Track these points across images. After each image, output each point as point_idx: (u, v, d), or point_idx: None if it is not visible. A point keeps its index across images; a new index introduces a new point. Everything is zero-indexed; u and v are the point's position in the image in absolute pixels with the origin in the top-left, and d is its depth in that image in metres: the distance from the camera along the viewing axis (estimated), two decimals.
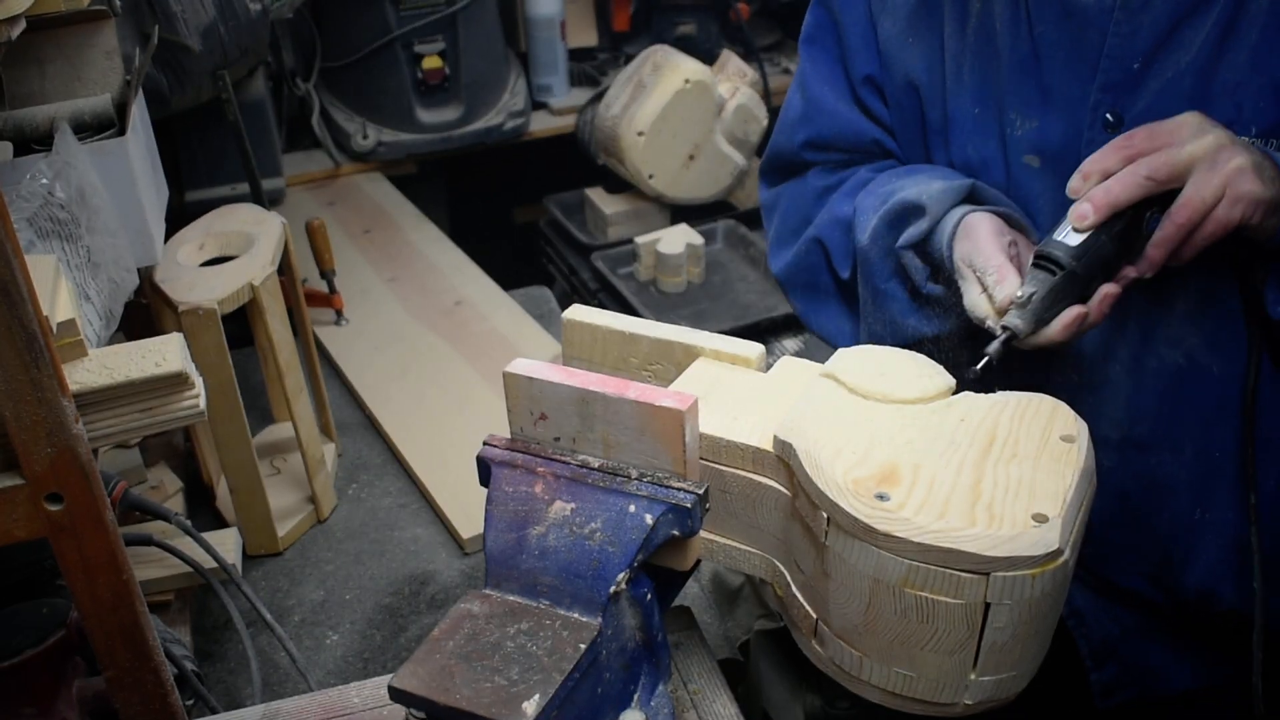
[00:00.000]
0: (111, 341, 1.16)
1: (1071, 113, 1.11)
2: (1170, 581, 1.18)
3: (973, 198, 1.15)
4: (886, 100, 1.28)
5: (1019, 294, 1.01)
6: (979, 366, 1.00)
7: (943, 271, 1.13)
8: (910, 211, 1.15)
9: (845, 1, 1.28)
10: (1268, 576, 1.07)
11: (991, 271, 1.05)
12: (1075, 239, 1.00)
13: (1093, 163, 1.00)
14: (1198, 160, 0.96)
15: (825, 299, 1.34)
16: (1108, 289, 1.01)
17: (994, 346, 1.01)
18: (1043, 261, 1.02)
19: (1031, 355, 1.06)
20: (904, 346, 1.16)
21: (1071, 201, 1.02)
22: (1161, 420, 1.14)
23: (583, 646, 0.80)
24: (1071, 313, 1.01)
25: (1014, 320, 1.01)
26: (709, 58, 2.62)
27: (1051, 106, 1.12)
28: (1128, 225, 1.00)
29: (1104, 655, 1.24)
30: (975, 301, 1.07)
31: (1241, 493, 1.11)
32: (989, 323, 1.05)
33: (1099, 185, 0.99)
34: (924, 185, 1.16)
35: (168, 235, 1.55)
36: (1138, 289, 1.03)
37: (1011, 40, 1.13)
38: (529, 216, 3.12)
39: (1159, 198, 0.99)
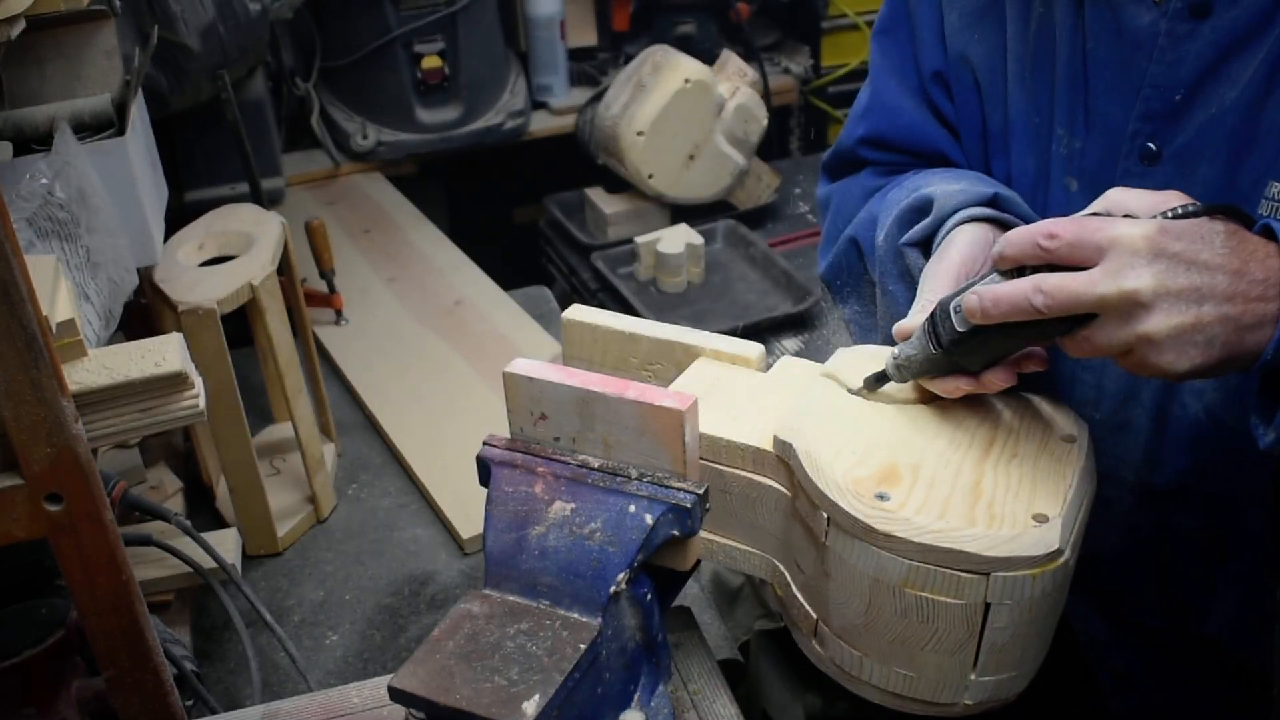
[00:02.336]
0: (111, 341, 1.16)
1: (1111, 139, 1.03)
2: (1190, 628, 1.15)
3: (995, 205, 1.07)
4: (953, 98, 1.21)
5: (896, 351, 0.93)
6: (854, 388, 0.95)
7: None
8: (922, 208, 1.09)
9: None
10: None
11: (920, 304, 0.96)
12: (965, 323, 0.87)
13: (1012, 245, 0.85)
14: (1107, 308, 0.80)
15: (863, 302, 1.27)
16: (997, 380, 0.90)
17: (866, 380, 0.96)
18: (932, 323, 0.90)
19: (1050, 386, 1.00)
20: None
21: None
22: (1180, 471, 1.08)
23: (583, 646, 0.79)
24: (954, 381, 0.91)
25: (891, 368, 0.94)
26: (709, 58, 2.61)
27: (1094, 129, 1.05)
28: (1026, 323, 0.84)
29: (1124, 687, 1.22)
30: (900, 325, 0.98)
31: (1260, 548, 1.06)
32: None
33: (992, 287, 0.84)
34: (945, 184, 1.09)
35: (167, 235, 1.55)
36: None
37: (1068, 52, 1.05)
38: (529, 216, 3.12)
39: None
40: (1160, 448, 1.08)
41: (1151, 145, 1.00)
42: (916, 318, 0.94)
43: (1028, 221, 1.05)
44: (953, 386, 0.92)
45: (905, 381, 0.94)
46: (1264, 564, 1.07)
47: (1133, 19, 0.99)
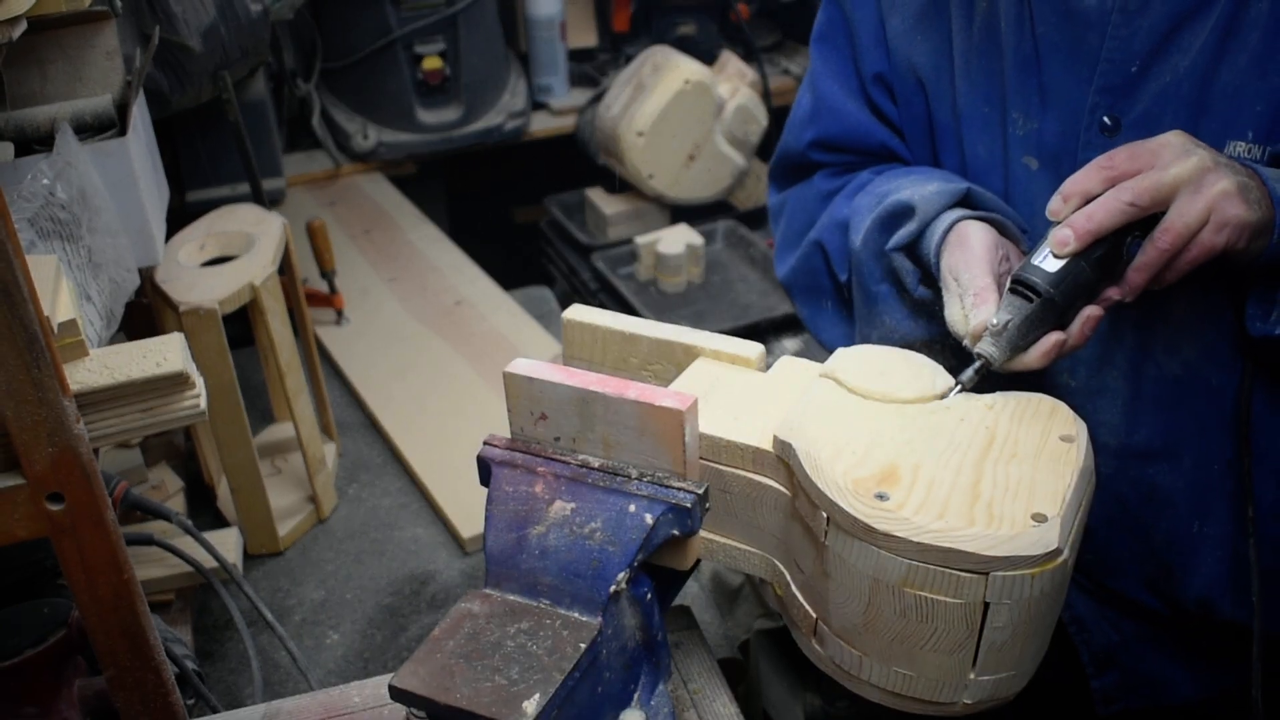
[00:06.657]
0: (112, 341, 1.16)
1: (1069, 115, 1.10)
2: (1170, 592, 1.18)
3: (968, 202, 1.13)
4: (896, 99, 1.27)
5: (993, 321, 0.98)
6: (953, 391, 0.97)
7: (933, 276, 1.12)
8: (902, 213, 1.14)
9: None
10: (1266, 589, 1.06)
11: (972, 293, 1.02)
12: (1054, 265, 0.97)
13: (1073, 184, 0.97)
14: (1182, 184, 0.93)
15: (826, 304, 1.33)
16: (1090, 312, 0.98)
17: (967, 374, 0.98)
18: (1019, 288, 0.98)
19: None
20: None
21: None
22: (1159, 430, 1.13)
23: (583, 646, 0.80)
24: (1050, 339, 0.98)
25: (988, 348, 0.99)
26: (709, 58, 2.62)
27: (1050, 108, 1.11)
28: (1109, 249, 0.97)
29: (1104, 662, 1.23)
30: (955, 318, 1.05)
31: (1239, 506, 1.10)
32: (966, 343, 1.03)
33: (1080, 210, 0.96)
34: (918, 187, 1.14)
35: (168, 235, 1.55)
36: (1135, 298, 1.01)
37: (1015, 39, 1.12)
38: (529, 216, 3.12)
39: (1141, 221, 0.96)
40: (1138, 408, 1.13)
41: (1107, 119, 1.08)
42: (984, 308, 1.01)
43: (1001, 213, 1.13)
44: (1050, 345, 0.98)
45: (1005, 358, 0.99)
46: (1240, 523, 1.11)
47: (1080, 2, 1.07)
